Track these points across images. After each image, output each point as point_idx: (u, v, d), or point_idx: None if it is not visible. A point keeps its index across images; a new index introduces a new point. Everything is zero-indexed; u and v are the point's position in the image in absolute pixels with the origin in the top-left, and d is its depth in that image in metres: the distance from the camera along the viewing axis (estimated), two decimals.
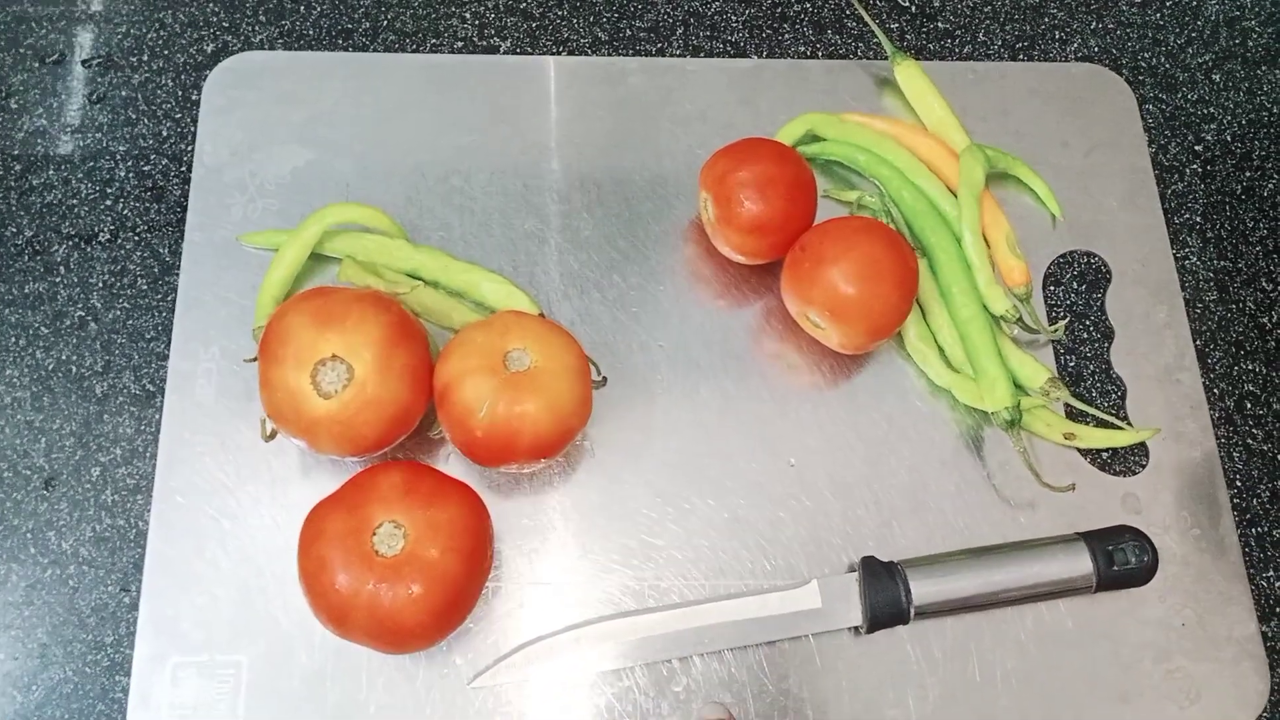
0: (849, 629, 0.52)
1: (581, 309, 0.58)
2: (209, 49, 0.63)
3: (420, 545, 0.45)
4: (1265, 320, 0.61)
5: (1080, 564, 0.52)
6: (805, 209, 0.55)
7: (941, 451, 0.56)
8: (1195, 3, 0.69)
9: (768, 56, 0.65)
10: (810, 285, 0.53)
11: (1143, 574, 0.53)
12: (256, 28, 0.63)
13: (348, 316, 0.47)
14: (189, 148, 0.60)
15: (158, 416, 0.54)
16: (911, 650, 0.52)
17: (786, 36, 0.66)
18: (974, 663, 0.52)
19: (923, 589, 0.51)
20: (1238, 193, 0.65)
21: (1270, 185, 0.65)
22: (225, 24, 0.63)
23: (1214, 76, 0.67)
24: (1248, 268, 0.63)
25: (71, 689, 0.50)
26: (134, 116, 0.61)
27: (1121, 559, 0.52)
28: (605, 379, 0.55)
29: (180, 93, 0.61)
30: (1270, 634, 0.55)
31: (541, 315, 0.56)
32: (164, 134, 0.60)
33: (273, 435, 0.50)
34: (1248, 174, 0.65)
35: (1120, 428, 0.56)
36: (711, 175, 0.55)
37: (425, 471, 0.48)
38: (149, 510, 0.52)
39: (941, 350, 0.57)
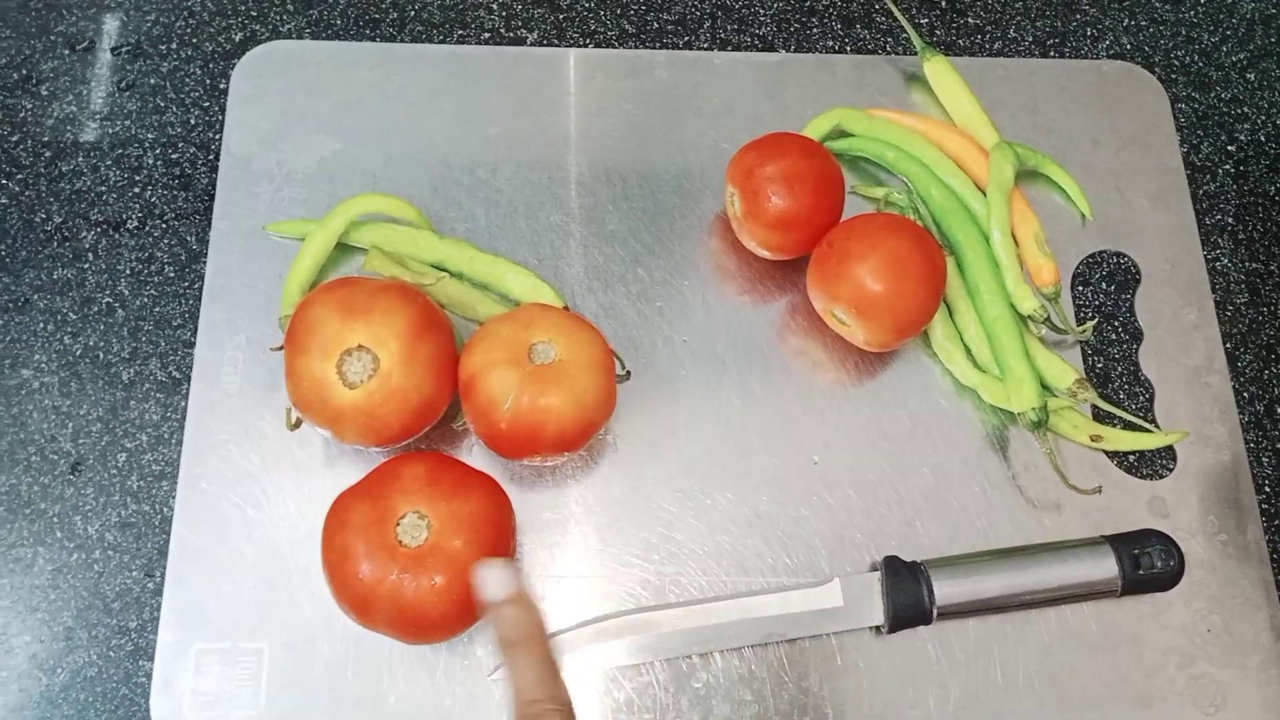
0: (870, 628, 0.52)
1: (606, 303, 0.57)
2: (237, 38, 0.63)
3: (443, 536, 0.45)
4: None
5: (1105, 567, 0.52)
6: (832, 204, 0.55)
7: (966, 451, 0.56)
8: (1230, 0, 0.68)
9: (795, 51, 0.65)
10: (836, 282, 0.53)
11: (1168, 579, 0.52)
12: (284, 17, 0.63)
13: (374, 307, 0.47)
14: (216, 136, 0.60)
15: (183, 404, 0.54)
16: (933, 650, 0.52)
17: (815, 30, 0.66)
18: (996, 664, 0.52)
19: (946, 590, 0.50)
20: (1271, 194, 0.64)
21: None
22: (253, 13, 0.63)
23: (1248, 75, 0.67)
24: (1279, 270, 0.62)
25: (95, 672, 0.50)
26: (162, 104, 0.61)
27: (1148, 563, 0.52)
28: (629, 373, 0.55)
29: (208, 81, 0.62)
30: None
31: (566, 308, 0.55)
32: (192, 122, 0.61)
33: (298, 424, 0.50)
34: None
35: (1148, 430, 0.55)
36: (738, 170, 0.55)
37: (449, 463, 0.48)
38: (174, 497, 0.52)
39: (968, 349, 0.57)
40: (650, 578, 0.52)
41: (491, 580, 0.43)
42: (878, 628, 0.52)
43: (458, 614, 0.46)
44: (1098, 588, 0.52)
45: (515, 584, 0.42)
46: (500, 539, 0.47)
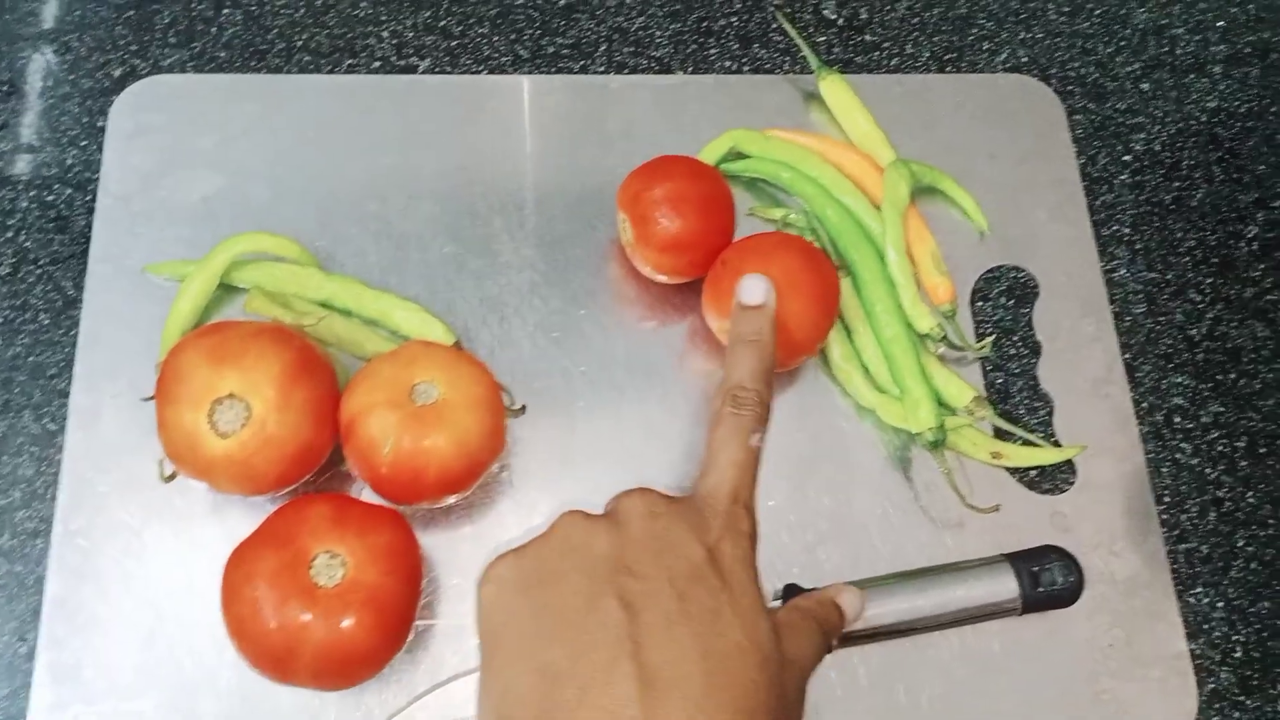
0: None
1: (501, 335, 0.56)
2: (116, 73, 0.61)
3: (362, 571, 0.44)
4: (1194, 332, 0.61)
5: (1006, 586, 0.51)
6: (723, 225, 0.54)
7: (867, 473, 0.55)
8: (1124, 11, 0.69)
9: (693, 72, 0.64)
10: (729, 301, 0.52)
11: (1069, 595, 0.52)
12: (166, 50, 0.62)
13: (246, 352, 0.46)
14: (95, 176, 0.58)
15: (59, 456, 0.52)
16: (835, 677, 0.51)
17: (712, 51, 0.65)
18: (900, 689, 0.52)
19: None
20: (1167, 203, 0.64)
21: (1199, 195, 0.64)
22: (133, 47, 0.62)
23: (1143, 85, 0.67)
24: (1176, 279, 0.62)
25: None
26: (37, 144, 0.59)
27: (1048, 579, 0.51)
28: (524, 407, 0.54)
29: (86, 119, 0.60)
30: (1198, 652, 0.54)
31: (458, 344, 0.54)
32: (69, 162, 0.59)
33: (173, 476, 0.49)
34: (1176, 184, 0.65)
35: (1043, 447, 0.55)
36: (627, 195, 0.54)
37: (350, 501, 0.48)
38: (48, 555, 0.50)
39: (866, 370, 0.57)
40: None
41: (750, 287, 0.47)
42: None
43: (386, 648, 0.45)
44: (999, 607, 0.51)
45: (771, 296, 0.47)
46: (415, 569, 0.47)
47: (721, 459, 0.42)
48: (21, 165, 0.59)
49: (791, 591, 0.51)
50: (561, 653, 0.35)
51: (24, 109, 0.60)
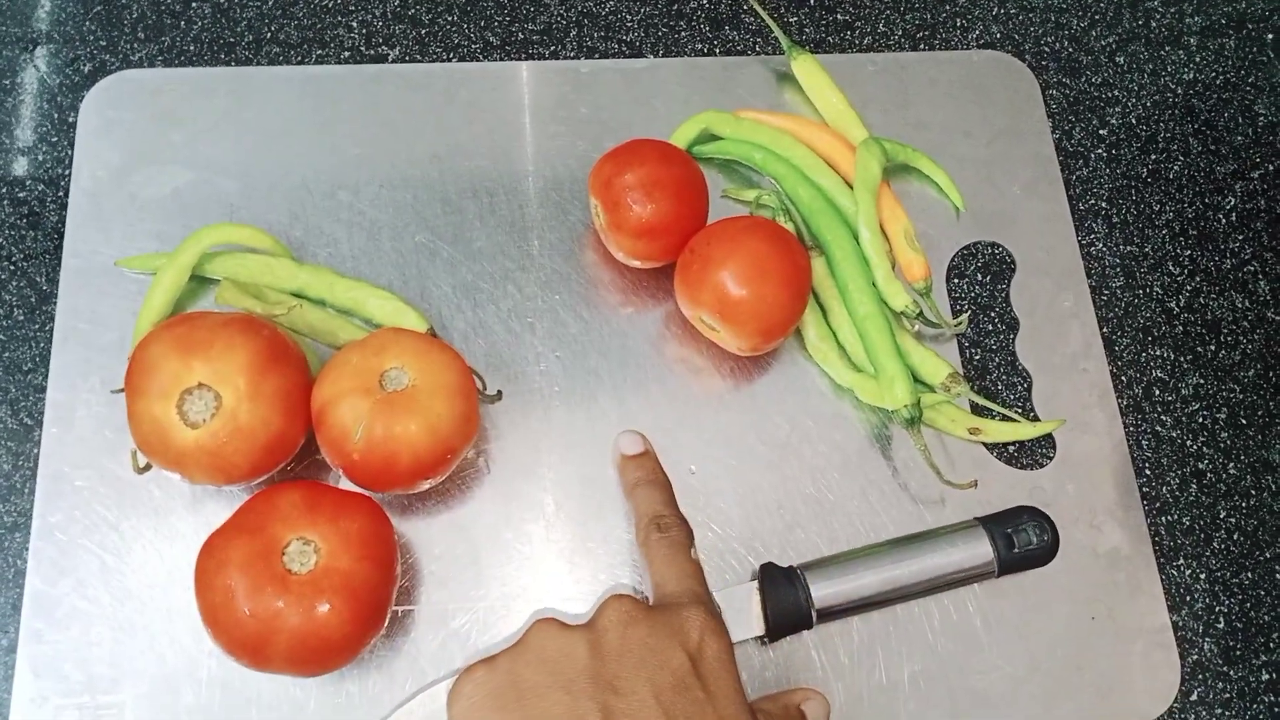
0: (753, 639, 0.51)
1: (475, 322, 0.56)
2: (86, 69, 0.61)
3: (334, 558, 0.44)
4: (1172, 305, 0.61)
5: (980, 549, 0.51)
6: (695, 209, 0.54)
7: (845, 452, 0.55)
8: None
9: (664, 55, 0.64)
10: (700, 287, 0.52)
11: (1044, 554, 0.52)
12: (135, 45, 0.62)
13: (214, 343, 0.46)
14: (66, 172, 0.58)
15: (36, 451, 0.52)
16: (817, 656, 0.51)
17: (683, 34, 0.65)
18: (880, 665, 0.52)
19: (823, 591, 0.50)
20: (1143, 176, 0.64)
21: (1175, 167, 0.64)
22: (103, 42, 0.62)
23: (1117, 59, 0.67)
24: (1154, 252, 0.62)
25: None
26: (7, 142, 0.59)
27: (1023, 540, 0.51)
28: (500, 393, 0.54)
29: (56, 115, 0.60)
30: (1181, 624, 0.54)
31: (431, 331, 0.54)
32: (40, 159, 0.59)
33: (146, 468, 0.49)
34: (1153, 157, 0.64)
35: (1021, 422, 0.55)
36: (599, 180, 0.54)
37: (323, 487, 0.47)
38: (27, 549, 0.50)
39: (843, 349, 0.56)
40: (532, 604, 0.51)
41: (628, 442, 0.51)
42: (760, 638, 0.51)
43: (360, 634, 0.45)
44: (975, 571, 0.51)
45: (648, 443, 0.51)
46: (389, 555, 0.47)
47: (672, 573, 0.43)
48: None
49: (767, 571, 0.50)
50: None
51: None
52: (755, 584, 0.51)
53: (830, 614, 0.50)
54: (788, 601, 0.50)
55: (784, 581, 0.50)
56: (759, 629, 0.50)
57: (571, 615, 0.50)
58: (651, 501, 0.47)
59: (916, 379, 0.55)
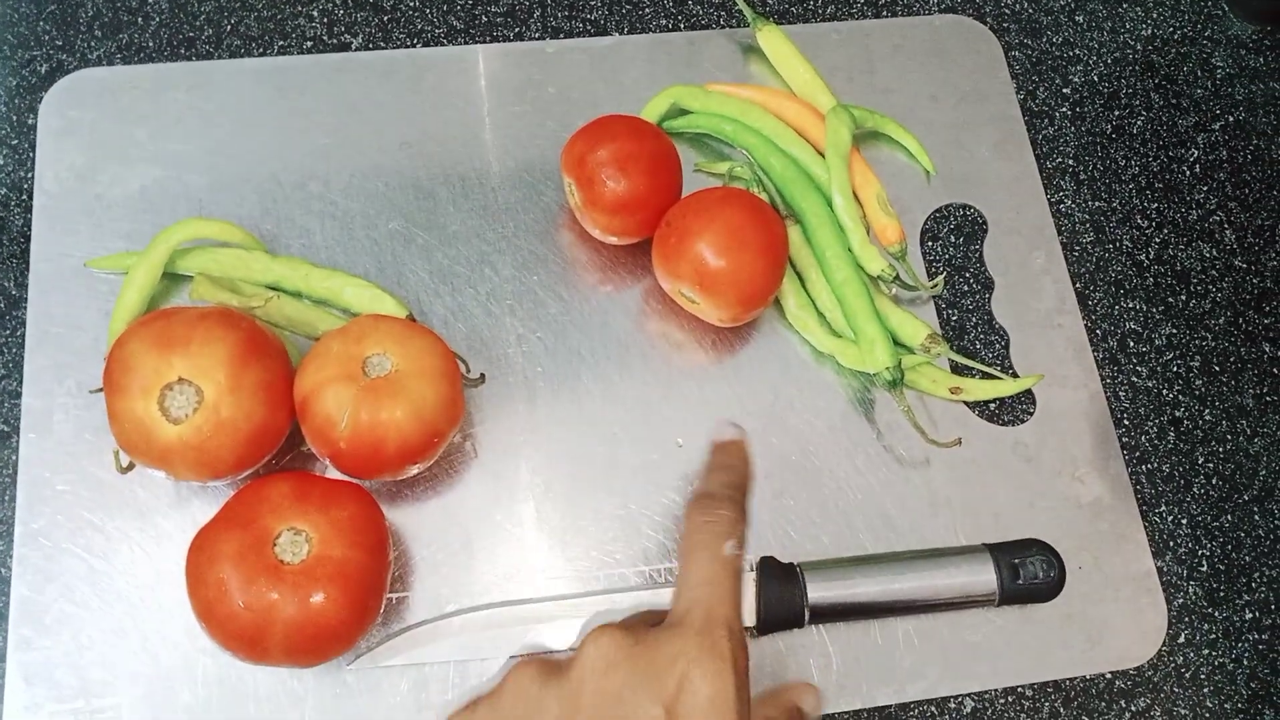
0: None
1: (454, 306, 0.56)
2: (43, 69, 0.60)
3: (327, 546, 0.44)
4: (1142, 257, 0.62)
5: (984, 576, 0.51)
6: (669, 183, 0.54)
7: (830, 418, 0.56)
8: None
9: (629, 33, 0.64)
10: (677, 260, 0.52)
11: (1048, 590, 0.51)
12: (93, 44, 0.61)
13: (192, 337, 0.45)
14: (29, 174, 0.57)
15: (14, 457, 0.51)
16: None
17: (647, 10, 0.65)
18: (875, 621, 0.52)
19: (819, 591, 0.49)
20: (1108, 132, 0.65)
21: (1139, 122, 0.65)
22: (59, 42, 0.61)
23: (1077, 18, 0.68)
24: (1122, 206, 0.63)
25: None
26: None
27: (1029, 573, 0.51)
28: (483, 376, 0.54)
29: (15, 118, 0.59)
30: (1165, 569, 0.55)
31: (411, 317, 0.54)
32: (1, 162, 0.58)
33: (130, 467, 0.48)
34: (1116, 113, 0.65)
35: (1001, 378, 0.56)
36: (571, 157, 0.54)
37: (312, 477, 0.47)
38: (11, 556, 0.49)
39: (822, 316, 0.57)
40: (524, 582, 0.51)
41: (719, 428, 0.44)
42: (750, 629, 0.50)
43: (355, 621, 0.45)
44: (975, 596, 0.51)
45: (737, 432, 0.44)
46: (381, 541, 0.47)
47: (692, 577, 0.37)
48: None
49: (768, 564, 0.50)
50: None
51: None
52: (753, 575, 0.50)
53: (823, 615, 0.50)
54: (783, 597, 0.49)
55: (782, 577, 0.49)
56: (749, 620, 0.49)
57: (572, 612, 0.50)
58: (712, 481, 0.41)
59: (896, 341, 0.56)
